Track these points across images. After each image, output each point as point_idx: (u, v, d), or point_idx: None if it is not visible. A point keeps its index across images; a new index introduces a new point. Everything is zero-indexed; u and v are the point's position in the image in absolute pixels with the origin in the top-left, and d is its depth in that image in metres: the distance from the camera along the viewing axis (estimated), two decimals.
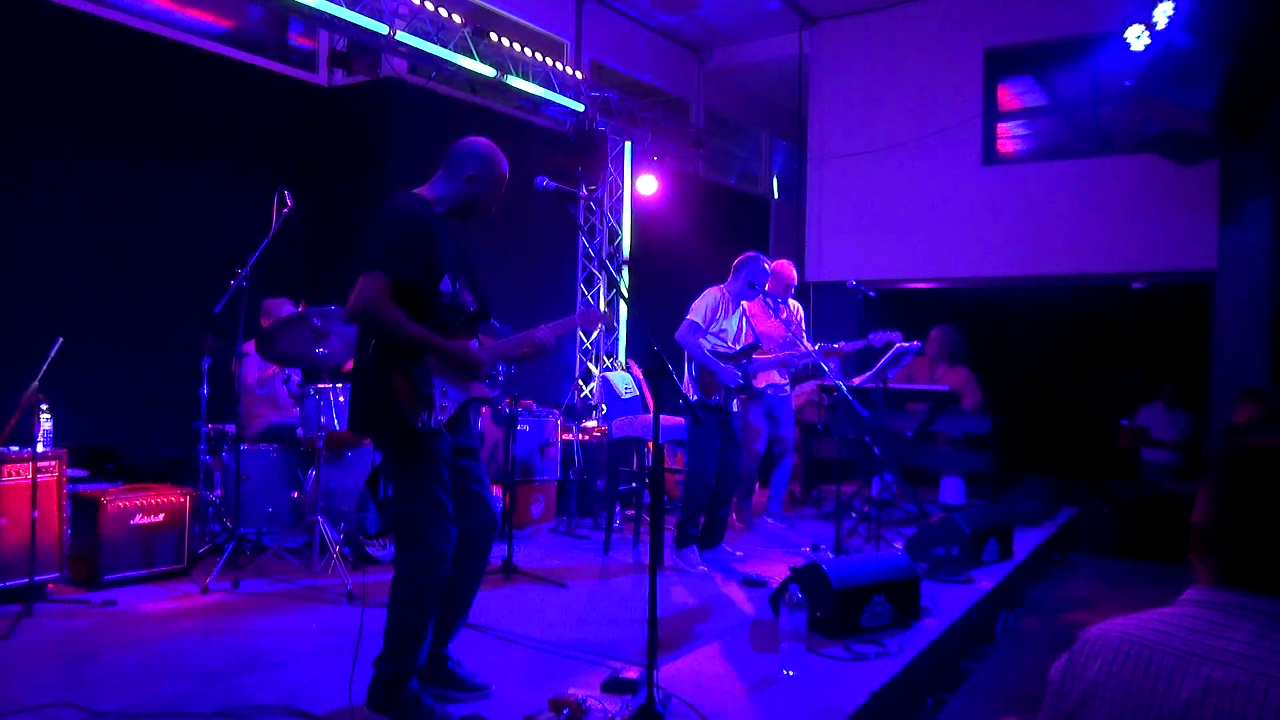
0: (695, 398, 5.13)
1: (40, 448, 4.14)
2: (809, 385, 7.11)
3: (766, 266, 5.45)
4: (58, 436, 4.24)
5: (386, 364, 2.87)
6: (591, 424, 7.33)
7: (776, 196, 12.93)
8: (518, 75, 7.48)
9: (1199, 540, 1.41)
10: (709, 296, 5.33)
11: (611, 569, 5.36)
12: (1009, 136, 10.05)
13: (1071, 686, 1.40)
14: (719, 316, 5.31)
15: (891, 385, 6.25)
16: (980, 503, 7.20)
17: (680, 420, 5.68)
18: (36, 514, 4.10)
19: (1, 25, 5.40)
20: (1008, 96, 9.97)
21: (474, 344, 3.14)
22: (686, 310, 5.35)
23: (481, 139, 3.15)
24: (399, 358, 2.88)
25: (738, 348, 5.35)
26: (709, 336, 5.26)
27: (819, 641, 3.72)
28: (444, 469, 2.95)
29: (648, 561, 2.98)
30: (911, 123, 9.82)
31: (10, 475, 4.15)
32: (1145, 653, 1.34)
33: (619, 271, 8.45)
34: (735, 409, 5.39)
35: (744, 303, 5.47)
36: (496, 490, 5.84)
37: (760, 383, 6.24)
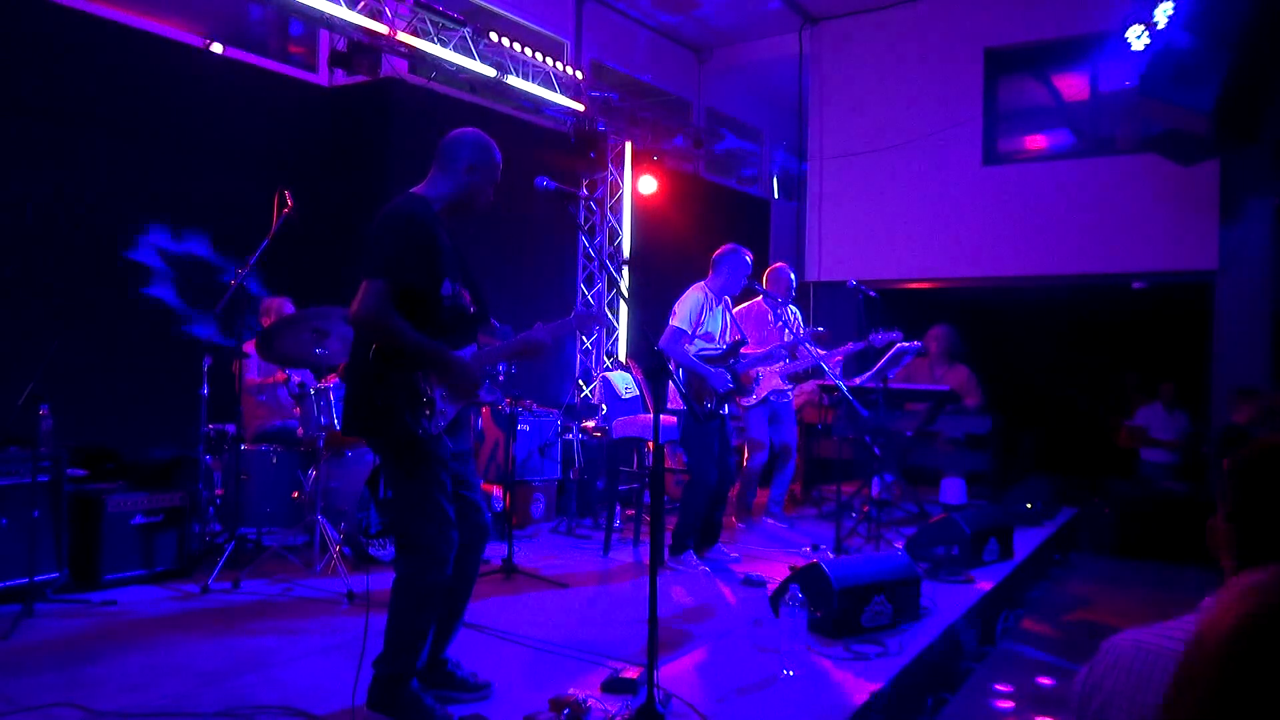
0: (684, 408, 5.04)
1: (40, 448, 4.14)
2: (809, 385, 7.11)
3: (748, 259, 5.35)
4: (58, 436, 4.24)
5: (387, 369, 2.86)
6: (591, 424, 7.32)
7: (776, 196, 12.92)
8: (518, 75, 7.48)
9: (1221, 545, 1.34)
10: (692, 298, 5.20)
11: (612, 569, 5.36)
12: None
13: (1090, 697, 1.34)
14: (704, 319, 5.21)
15: (892, 385, 6.25)
16: (981, 503, 7.21)
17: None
18: (36, 514, 4.10)
19: (1, 24, 5.40)
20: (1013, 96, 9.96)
21: (473, 347, 3.13)
22: (670, 312, 5.24)
23: (470, 129, 3.13)
24: (400, 363, 2.87)
25: (725, 346, 5.27)
26: (695, 340, 5.16)
27: (819, 641, 3.72)
28: (444, 474, 2.95)
29: (648, 562, 2.98)
30: (911, 123, 9.81)
31: (10, 475, 4.14)
32: (1162, 661, 1.26)
33: (619, 271, 8.45)
34: (725, 411, 5.30)
35: (728, 298, 5.39)
36: (496, 490, 5.88)
37: (763, 390, 6.23)
